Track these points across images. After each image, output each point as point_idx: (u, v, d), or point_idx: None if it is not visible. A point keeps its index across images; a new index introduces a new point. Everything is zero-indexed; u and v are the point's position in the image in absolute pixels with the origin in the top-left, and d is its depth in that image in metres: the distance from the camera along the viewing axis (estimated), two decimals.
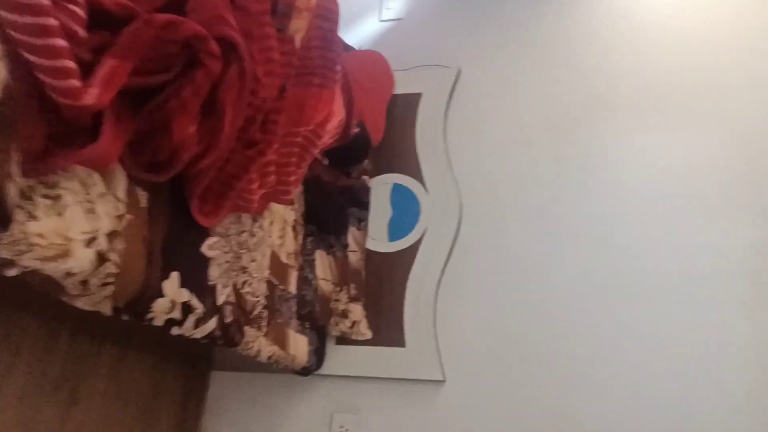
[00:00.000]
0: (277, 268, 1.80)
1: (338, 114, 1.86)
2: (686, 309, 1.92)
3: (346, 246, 2.11)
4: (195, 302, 1.36)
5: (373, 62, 2.29)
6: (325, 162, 2.10)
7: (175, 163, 1.17)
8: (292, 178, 1.65)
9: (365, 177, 2.24)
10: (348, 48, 2.29)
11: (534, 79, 2.31)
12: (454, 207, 2.20)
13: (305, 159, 1.77)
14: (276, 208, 1.81)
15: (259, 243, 1.69)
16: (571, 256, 2.07)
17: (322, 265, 2.01)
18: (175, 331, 1.35)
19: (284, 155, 1.62)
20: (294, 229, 1.92)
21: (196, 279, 1.37)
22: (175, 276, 1.29)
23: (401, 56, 2.42)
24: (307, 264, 1.96)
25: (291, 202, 1.76)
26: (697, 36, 2.21)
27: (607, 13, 2.30)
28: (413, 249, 2.18)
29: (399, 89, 2.37)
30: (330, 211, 2.07)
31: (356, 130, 2.04)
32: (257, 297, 1.66)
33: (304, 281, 1.93)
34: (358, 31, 2.55)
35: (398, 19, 2.54)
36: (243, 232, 1.59)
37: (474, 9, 2.46)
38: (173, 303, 1.28)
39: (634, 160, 2.13)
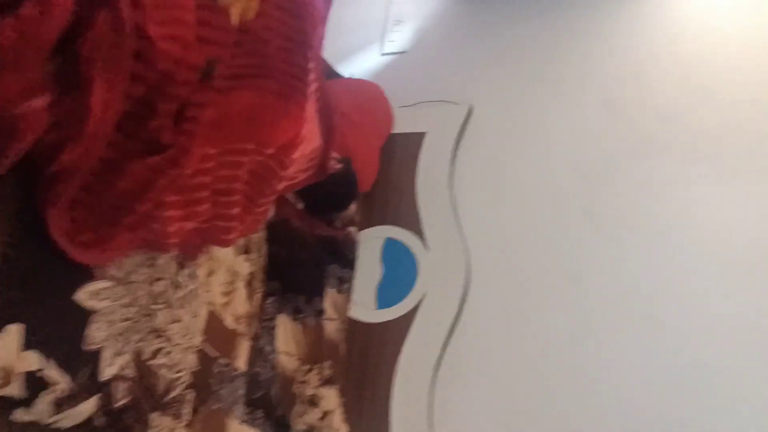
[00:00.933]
0: (218, 334, 1.35)
1: (311, 140, 1.47)
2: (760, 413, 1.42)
3: (320, 312, 1.66)
4: (54, 373, 0.92)
5: (366, 93, 1.93)
6: (300, 205, 1.69)
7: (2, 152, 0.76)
8: (235, 211, 1.24)
9: (351, 228, 1.82)
10: (335, 75, 1.93)
11: (560, 119, 1.91)
12: (460, 270, 1.76)
13: (264, 193, 1.37)
14: (221, 254, 1.39)
15: (187, 298, 1.25)
16: (607, 338, 1.59)
17: (286, 334, 1.56)
18: (19, 416, 0.90)
19: (225, 179, 1.21)
20: (249, 285, 1.48)
21: (60, 338, 0.94)
22: (14, 330, 0.86)
23: (404, 91, 2.06)
24: (265, 332, 1.51)
25: (229, 245, 1.33)
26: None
27: (653, 41, 1.91)
28: (407, 319, 1.72)
29: (399, 127, 1.99)
30: (302, 267, 1.64)
31: (338, 166, 1.64)
32: (178, 372, 1.21)
33: (259, 355, 1.48)
34: (358, 65, 2.21)
35: (402, 53, 2.20)
36: (159, 280, 1.17)
37: (488, 40, 2.10)
38: (7, 372, 0.85)
39: (687, 217, 1.67)
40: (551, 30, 2.04)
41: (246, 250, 1.49)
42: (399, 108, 2.01)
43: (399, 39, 2.22)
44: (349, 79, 1.97)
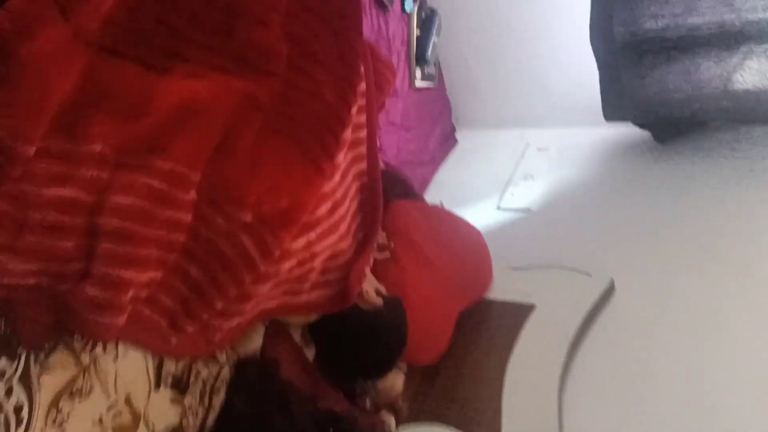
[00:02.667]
0: None
1: (329, 234, 0.93)
2: None
3: None
4: None
5: (457, 232, 1.37)
6: (309, 352, 1.09)
7: None
8: (140, 253, 0.70)
9: (386, 415, 1.15)
10: (409, 192, 1.40)
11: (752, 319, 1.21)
12: None
13: (224, 289, 0.84)
14: (114, 367, 0.80)
15: None
16: None
17: None
18: None
19: (124, 188, 0.70)
20: None
21: None
22: None
23: (517, 251, 1.49)
24: None
25: (109, 338, 0.76)
26: None
27: None
28: None
29: (498, 292, 1.38)
30: None
31: (377, 301, 1.05)
32: None
33: None
34: (470, 217, 1.70)
35: (523, 210, 1.66)
36: None
37: (648, 209, 1.55)
38: None
39: None
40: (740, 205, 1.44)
41: (178, 386, 0.89)
42: (505, 268, 1.42)
43: (524, 194, 1.70)
44: (438, 207, 1.43)
